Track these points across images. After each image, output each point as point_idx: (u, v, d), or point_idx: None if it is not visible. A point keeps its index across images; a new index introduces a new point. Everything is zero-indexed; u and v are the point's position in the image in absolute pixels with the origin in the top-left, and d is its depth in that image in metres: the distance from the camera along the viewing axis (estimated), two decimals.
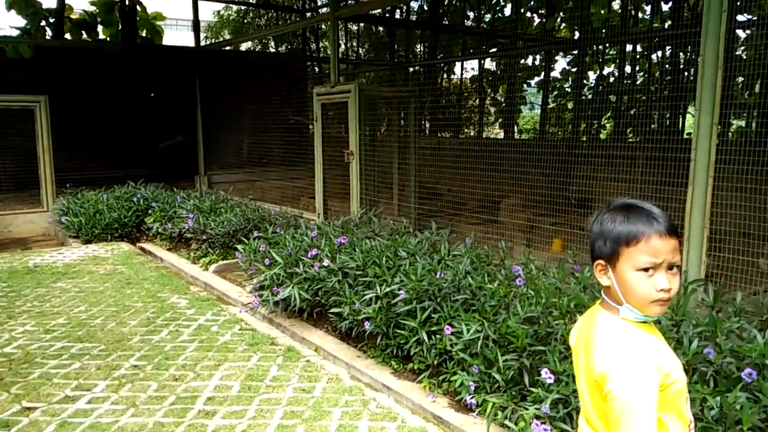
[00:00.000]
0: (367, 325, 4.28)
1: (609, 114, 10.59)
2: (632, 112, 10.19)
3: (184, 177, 10.98)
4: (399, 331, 4.15)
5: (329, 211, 7.59)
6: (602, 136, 11.62)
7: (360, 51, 16.07)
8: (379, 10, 14.04)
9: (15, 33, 14.04)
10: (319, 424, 3.50)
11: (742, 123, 8.04)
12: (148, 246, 8.30)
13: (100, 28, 14.85)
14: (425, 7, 15.19)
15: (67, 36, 14.13)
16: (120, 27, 13.75)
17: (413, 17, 15.90)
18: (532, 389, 3.29)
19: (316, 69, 15.97)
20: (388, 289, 4.26)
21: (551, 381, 3.10)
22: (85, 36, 14.69)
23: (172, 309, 5.64)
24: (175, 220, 8.13)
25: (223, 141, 11.04)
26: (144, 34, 15.05)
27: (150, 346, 4.71)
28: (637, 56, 12.44)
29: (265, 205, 8.37)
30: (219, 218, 7.45)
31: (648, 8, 12.38)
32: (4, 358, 4.42)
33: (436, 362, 3.95)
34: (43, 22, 13.90)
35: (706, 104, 3.90)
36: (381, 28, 16.65)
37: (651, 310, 1.52)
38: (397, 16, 15.62)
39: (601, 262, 1.58)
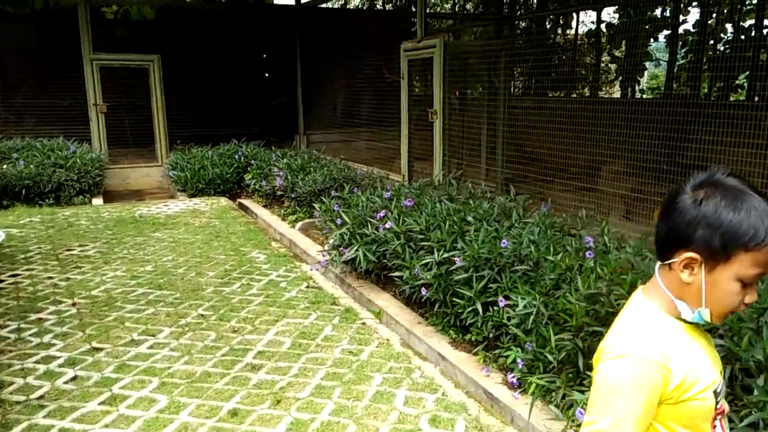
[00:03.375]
0: (425, 292, 4.10)
1: (747, 72, 9.25)
2: None
3: (287, 136, 11.27)
4: (456, 299, 3.93)
5: (414, 173, 7.39)
6: (739, 96, 10.22)
7: (467, 6, 15.31)
8: None
9: None
10: (356, 388, 3.41)
11: None
12: (246, 202, 8.65)
13: None
14: None
15: None
16: None
17: None
18: (588, 372, 2.95)
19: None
20: (446, 255, 4.03)
21: None
22: None
23: (249, 263, 5.80)
24: (269, 178, 8.37)
25: (321, 101, 11.13)
26: None
27: (220, 297, 4.87)
28: None
29: (354, 165, 8.34)
30: (307, 177, 7.54)
31: None
32: (89, 300, 4.78)
33: (491, 335, 3.70)
34: None
35: None
36: None
37: (721, 319, 1.24)
38: None
39: (696, 256, 1.17)
